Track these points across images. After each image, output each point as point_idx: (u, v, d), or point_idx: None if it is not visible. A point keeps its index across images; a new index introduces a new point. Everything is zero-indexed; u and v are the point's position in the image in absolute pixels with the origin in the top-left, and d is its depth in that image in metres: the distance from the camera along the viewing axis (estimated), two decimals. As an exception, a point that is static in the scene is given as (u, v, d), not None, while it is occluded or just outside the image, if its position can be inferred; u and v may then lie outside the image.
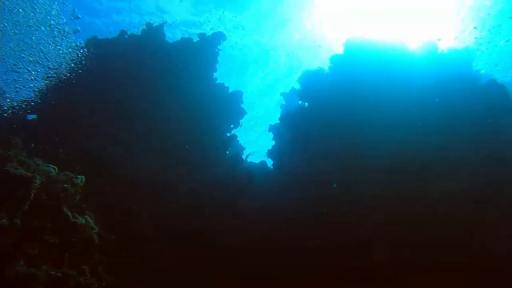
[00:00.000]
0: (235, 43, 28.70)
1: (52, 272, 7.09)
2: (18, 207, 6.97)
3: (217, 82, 18.64)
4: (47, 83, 14.92)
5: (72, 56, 14.00)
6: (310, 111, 18.55)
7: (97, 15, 26.53)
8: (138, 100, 15.71)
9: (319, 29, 29.99)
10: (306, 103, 19.14)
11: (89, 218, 9.26)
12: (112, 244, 9.85)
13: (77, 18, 12.78)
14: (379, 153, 16.52)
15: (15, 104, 15.08)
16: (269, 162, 24.15)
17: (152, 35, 17.19)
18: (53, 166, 9.54)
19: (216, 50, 18.18)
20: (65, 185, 8.78)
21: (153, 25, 17.61)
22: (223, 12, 25.85)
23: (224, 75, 29.52)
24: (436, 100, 17.57)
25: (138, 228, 11.56)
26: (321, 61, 24.18)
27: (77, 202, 9.34)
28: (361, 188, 16.03)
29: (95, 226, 9.21)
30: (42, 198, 8.10)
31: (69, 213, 8.49)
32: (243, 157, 25.76)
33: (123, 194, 11.96)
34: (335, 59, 19.90)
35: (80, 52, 13.80)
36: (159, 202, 12.56)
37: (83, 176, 9.81)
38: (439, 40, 21.66)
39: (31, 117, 15.56)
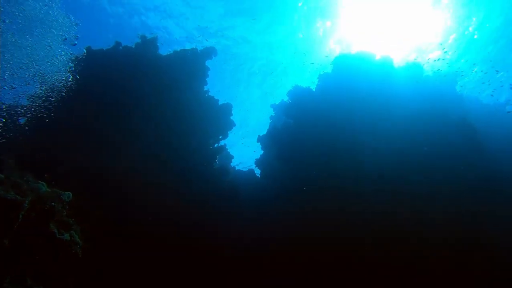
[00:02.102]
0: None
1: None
2: (7, 229, 7.61)
3: (207, 95, 19.28)
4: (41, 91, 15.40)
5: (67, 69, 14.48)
6: (296, 129, 19.22)
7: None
8: (128, 111, 16.32)
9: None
10: (293, 120, 19.81)
11: (74, 233, 9.91)
12: (96, 259, 10.48)
13: (74, 44, 13.34)
14: (363, 167, 17.32)
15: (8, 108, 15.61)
16: (257, 171, 24.98)
17: (146, 49, 17.75)
18: (43, 183, 10.19)
19: (207, 64, 18.80)
20: (53, 203, 9.40)
21: (147, 38, 18.17)
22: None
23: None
24: (418, 121, 18.31)
25: (123, 242, 12.21)
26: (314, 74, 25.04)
27: (64, 218, 10.01)
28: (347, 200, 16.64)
29: (79, 242, 9.86)
30: (31, 216, 8.75)
31: (56, 230, 9.14)
32: (232, 165, 26.56)
33: (108, 206, 12.61)
34: (323, 77, 20.58)
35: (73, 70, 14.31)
36: (145, 217, 13.22)
37: (69, 193, 10.45)
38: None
39: (22, 120, 16.20)
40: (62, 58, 13.20)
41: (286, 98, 22.99)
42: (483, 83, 26.32)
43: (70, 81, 13.71)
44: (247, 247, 15.22)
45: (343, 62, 20.38)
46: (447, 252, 14.19)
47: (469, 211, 15.16)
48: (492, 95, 21.73)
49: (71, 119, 14.57)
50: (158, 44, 18.44)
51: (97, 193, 12.40)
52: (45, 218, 9.11)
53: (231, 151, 27.21)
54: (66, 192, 10.33)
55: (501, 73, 26.50)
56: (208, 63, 19.15)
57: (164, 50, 18.73)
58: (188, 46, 19.11)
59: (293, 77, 35.33)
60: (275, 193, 18.43)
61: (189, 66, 18.14)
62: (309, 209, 16.69)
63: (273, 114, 25.43)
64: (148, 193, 13.60)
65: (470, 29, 25.98)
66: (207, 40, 27.80)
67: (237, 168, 25.94)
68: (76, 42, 13.23)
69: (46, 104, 14.46)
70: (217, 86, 35.99)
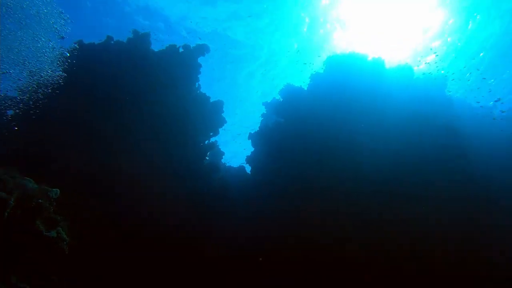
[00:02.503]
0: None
1: (21, 285, 7.83)
2: (-8, 226, 7.65)
3: (199, 91, 19.26)
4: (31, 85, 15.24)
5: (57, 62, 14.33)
6: (286, 127, 19.36)
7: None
8: (119, 107, 16.30)
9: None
10: (283, 119, 19.92)
11: (61, 230, 9.96)
12: (86, 257, 10.55)
13: (62, 37, 13.15)
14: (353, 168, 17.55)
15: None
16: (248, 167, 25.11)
17: (138, 44, 17.64)
18: (29, 179, 10.18)
19: (199, 61, 18.77)
20: (39, 200, 9.43)
21: (140, 33, 18.05)
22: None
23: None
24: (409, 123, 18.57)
25: (114, 240, 12.28)
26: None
27: (51, 214, 10.03)
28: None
29: (66, 238, 9.92)
30: (16, 213, 8.78)
31: (42, 227, 9.19)
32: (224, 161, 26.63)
33: (99, 204, 12.64)
34: (314, 77, 20.69)
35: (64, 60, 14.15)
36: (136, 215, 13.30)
37: (57, 189, 10.47)
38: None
39: (10, 112, 16.07)
40: (49, 49, 13.01)
41: (278, 97, 23.12)
42: (471, 90, 26.80)
43: (59, 76, 13.58)
44: (238, 245, 15.35)
45: (335, 62, 20.51)
46: (442, 252, 14.51)
47: (459, 213, 15.52)
48: (478, 102, 22.14)
49: (61, 113, 14.48)
50: (151, 40, 18.35)
51: (86, 191, 12.41)
52: (32, 216, 9.14)
53: (226, 148, 27.46)
54: (53, 189, 10.35)
55: (492, 80, 26.97)
56: (207, 62, 19.18)
57: (158, 47, 18.65)
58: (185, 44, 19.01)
59: (292, 77, 35.48)
60: (265, 190, 18.60)
61: (181, 62, 18.09)
62: (300, 208, 16.91)
63: (265, 112, 25.50)
64: (139, 190, 13.66)
65: (468, 27, 26.18)
66: (200, 39, 27.88)
67: (228, 164, 26.02)
68: (63, 35, 13.02)
69: (34, 98, 14.33)
70: (217, 86, 36.40)
